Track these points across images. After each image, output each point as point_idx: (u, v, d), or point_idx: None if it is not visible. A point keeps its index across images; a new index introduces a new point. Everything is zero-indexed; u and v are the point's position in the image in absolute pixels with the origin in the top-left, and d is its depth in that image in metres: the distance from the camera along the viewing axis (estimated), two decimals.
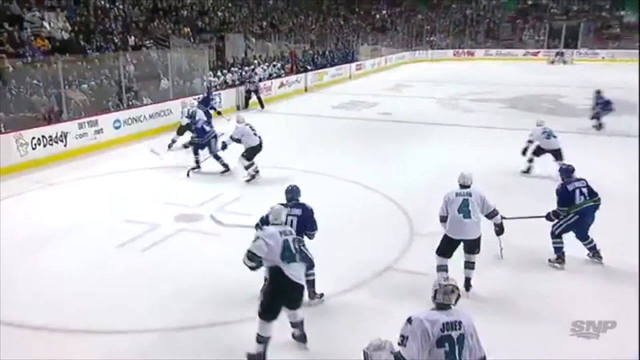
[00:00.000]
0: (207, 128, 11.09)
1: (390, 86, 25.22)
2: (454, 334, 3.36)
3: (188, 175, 10.54)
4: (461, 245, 6.05)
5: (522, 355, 4.57)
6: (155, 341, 5.33)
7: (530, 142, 10.57)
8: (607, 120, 14.48)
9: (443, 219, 6.13)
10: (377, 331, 3.71)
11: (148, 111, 14.84)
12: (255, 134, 10.27)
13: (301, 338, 5.10)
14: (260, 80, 19.66)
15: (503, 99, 16.99)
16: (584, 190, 6.57)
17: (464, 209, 5.99)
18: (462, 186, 6.22)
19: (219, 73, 19.34)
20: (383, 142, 13.93)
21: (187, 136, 12.13)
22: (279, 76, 22.15)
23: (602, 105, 14.48)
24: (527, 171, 10.77)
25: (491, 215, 6.11)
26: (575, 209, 6.52)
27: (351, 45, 33.84)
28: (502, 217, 6.28)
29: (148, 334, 5.44)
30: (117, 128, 13.63)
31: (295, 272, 4.83)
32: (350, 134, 14.98)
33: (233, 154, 10.43)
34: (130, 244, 7.51)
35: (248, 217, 8.45)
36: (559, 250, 6.70)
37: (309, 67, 25.10)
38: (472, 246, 6.04)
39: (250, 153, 10.26)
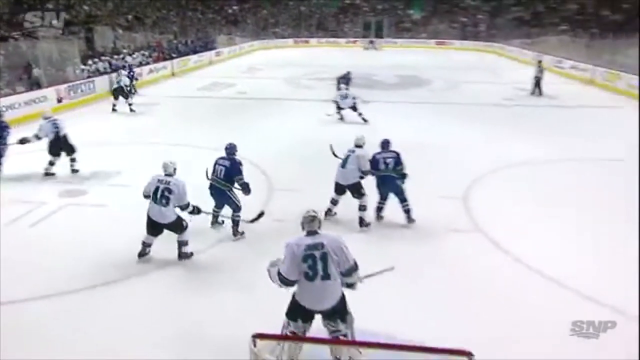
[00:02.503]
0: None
1: (244, 69, 24.71)
2: (317, 253, 3.51)
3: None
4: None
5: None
6: (55, 306, 4.86)
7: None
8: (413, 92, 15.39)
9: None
10: (258, 267, 3.94)
11: (22, 99, 13.01)
12: (56, 129, 8.43)
13: (182, 256, 5.62)
14: (130, 67, 18.12)
15: (333, 77, 17.40)
16: (389, 160, 6.47)
17: (344, 161, 6.51)
18: (356, 145, 6.59)
19: (89, 62, 17.49)
20: (241, 116, 13.76)
21: None
22: (147, 63, 20.57)
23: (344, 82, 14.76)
24: (341, 118, 12.75)
25: (365, 173, 6.46)
26: (378, 174, 6.53)
27: (209, 35, 32.48)
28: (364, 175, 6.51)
29: (44, 300, 4.92)
30: None
31: (153, 211, 5.34)
32: (214, 111, 14.51)
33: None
34: (17, 221, 6.70)
35: (129, 188, 7.96)
36: (378, 210, 6.71)
37: (173, 55, 23.67)
38: (353, 190, 6.47)
39: (51, 147, 8.49)
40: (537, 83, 16.93)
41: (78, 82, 15.52)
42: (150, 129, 12.18)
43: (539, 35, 29.27)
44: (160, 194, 5.22)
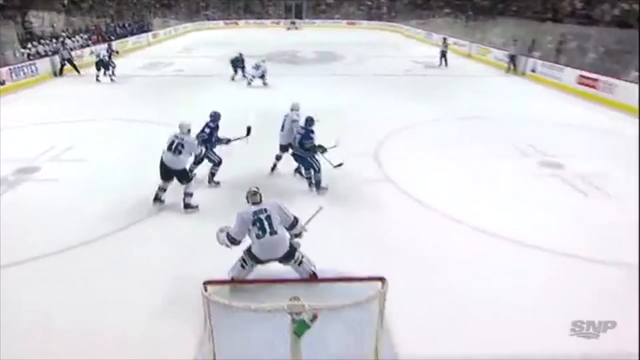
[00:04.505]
0: None
1: (180, 50, 23.05)
2: (262, 216, 3.75)
3: None
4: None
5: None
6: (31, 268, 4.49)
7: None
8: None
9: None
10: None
11: None
12: None
13: (187, 206, 5.68)
14: (71, 49, 16.31)
15: (262, 54, 16.81)
16: (297, 137, 6.10)
17: (282, 124, 6.52)
18: (291, 109, 6.50)
19: (29, 45, 15.48)
20: (180, 91, 12.93)
21: None
22: (87, 45, 18.54)
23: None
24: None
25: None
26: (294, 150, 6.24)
27: (145, 18, 29.64)
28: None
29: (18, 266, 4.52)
30: None
31: (167, 159, 5.48)
32: (155, 88, 13.46)
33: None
34: None
35: (82, 162, 7.40)
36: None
37: (112, 38, 21.54)
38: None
39: None
40: (443, 56, 17.37)
41: (20, 64, 13.72)
42: (98, 106, 11.20)
43: (428, 17, 29.79)
44: (174, 146, 5.45)
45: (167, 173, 5.56)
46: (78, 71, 15.29)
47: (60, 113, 10.33)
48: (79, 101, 11.87)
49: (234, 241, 3.79)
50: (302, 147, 6.00)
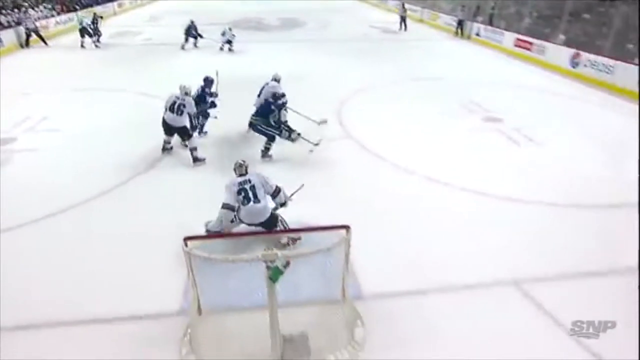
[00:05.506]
0: None
1: (147, 19, 21.35)
2: (247, 186, 3.81)
3: None
4: None
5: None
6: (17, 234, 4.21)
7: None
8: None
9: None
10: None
11: None
12: None
13: (196, 160, 5.71)
14: (35, 20, 14.82)
15: (229, 21, 15.94)
16: (256, 106, 6.01)
17: (260, 91, 6.44)
18: (273, 79, 6.38)
19: None
20: (150, 59, 12.08)
21: None
22: (52, 16, 16.77)
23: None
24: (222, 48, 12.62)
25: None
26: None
27: None
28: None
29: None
30: None
31: (168, 117, 5.65)
32: (126, 57, 12.53)
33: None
34: None
35: (58, 132, 6.97)
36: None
37: (77, 7, 19.65)
38: None
39: None
40: (403, 21, 16.99)
41: None
42: (70, 76, 10.39)
43: None
44: (177, 106, 5.60)
45: (169, 130, 5.78)
46: (45, 42, 13.99)
47: (31, 84, 9.55)
48: (50, 72, 10.93)
49: (228, 206, 3.79)
50: (263, 117, 5.69)
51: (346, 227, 2.85)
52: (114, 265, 3.87)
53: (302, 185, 4.16)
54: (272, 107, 5.73)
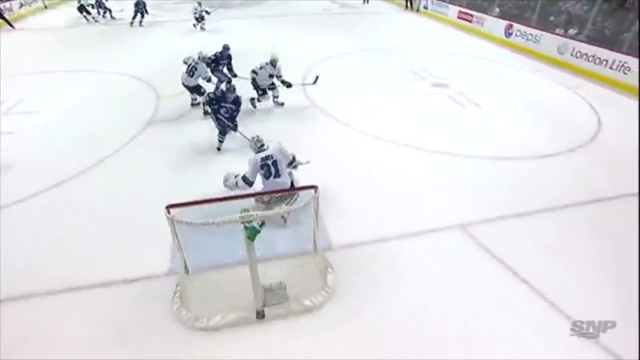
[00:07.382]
0: None
1: None
2: (269, 161, 3.62)
3: None
4: None
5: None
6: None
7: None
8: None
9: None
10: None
11: None
12: None
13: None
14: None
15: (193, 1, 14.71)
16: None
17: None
18: (271, 62, 5.98)
19: None
20: (120, 39, 10.97)
21: None
22: None
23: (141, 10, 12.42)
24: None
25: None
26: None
27: None
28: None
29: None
30: None
31: (183, 78, 5.95)
32: (95, 37, 11.33)
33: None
34: None
35: (37, 114, 6.37)
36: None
37: None
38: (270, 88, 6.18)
39: None
40: None
41: None
42: (41, 58, 9.34)
43: None
44: (190, 69, 5.86)
45: (185, 87, 6.06)
46: (11, 25, 12.41)
47: (3, 68, 8.56)
48: (20, 54, 9.77)
49: (247, 181, 3.61)
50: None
51: (314, 187, 2.79)
52: (104, 236, 3.68)
53: (308, 161, 4.05)
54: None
